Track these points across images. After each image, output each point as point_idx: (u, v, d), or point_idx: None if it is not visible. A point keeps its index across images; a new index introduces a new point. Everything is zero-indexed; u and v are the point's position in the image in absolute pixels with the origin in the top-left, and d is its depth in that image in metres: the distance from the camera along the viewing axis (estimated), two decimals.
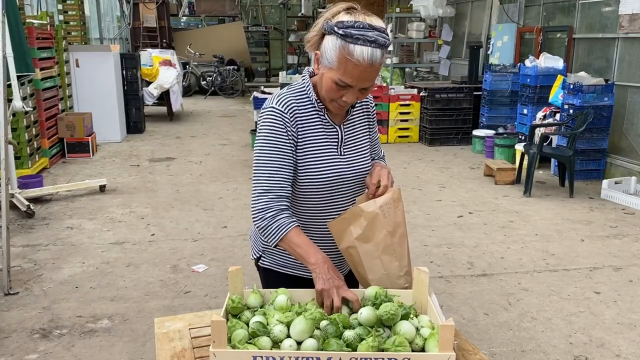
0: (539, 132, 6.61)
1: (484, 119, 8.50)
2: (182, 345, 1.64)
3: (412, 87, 9.22)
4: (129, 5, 14.89)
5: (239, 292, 1.65)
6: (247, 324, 1.53)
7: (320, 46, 1.62)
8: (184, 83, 13.55)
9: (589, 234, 4.93)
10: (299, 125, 1.69)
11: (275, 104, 1.68)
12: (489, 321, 3.43)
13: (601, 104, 6.36)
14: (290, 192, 1.70)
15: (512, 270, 4.16)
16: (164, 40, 15.07)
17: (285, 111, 1.67)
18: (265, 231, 1.65)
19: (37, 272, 4.06)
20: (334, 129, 1.75)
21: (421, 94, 8.79)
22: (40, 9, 9.42)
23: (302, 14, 20.82)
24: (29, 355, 3.02)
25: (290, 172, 1.68)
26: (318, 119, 1.73)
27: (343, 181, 1.76)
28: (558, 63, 7.38)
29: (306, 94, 1.73)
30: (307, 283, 1.77)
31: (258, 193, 1.66)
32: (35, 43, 6.64)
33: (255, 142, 1.72)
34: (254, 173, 1.70)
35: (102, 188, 6.08)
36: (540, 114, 7.16)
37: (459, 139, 8.72)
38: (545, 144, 6.24)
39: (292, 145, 1.68)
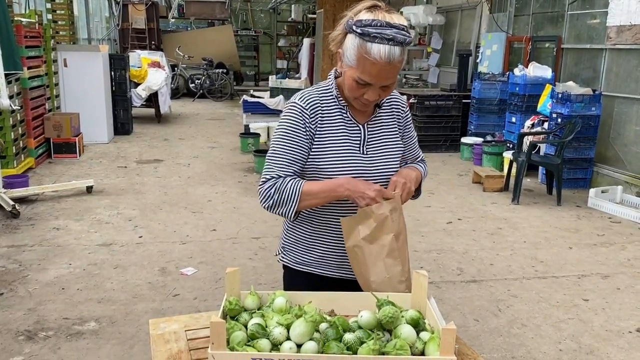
0: (527, 140, 6.66)
1: (472, 127, 8.55)
2: (179, 347, 1.62)
3: (402, 94, 9.16)
4: (118, 6, 14.82)
5: (235, 293, 1.63)
6: (245, 326, 1.51)
7: (343, 44, 1.65)
8: (172, 85, 13.47)
9: (577, 241, 4.97)
10: (319, 120, 1.73)
11: (298, 100, 1.74)
12: (479, 327, 3.43)
13: (589, 113, 6.43)
14: None
15: (502, 277, 4.18)
16: (153, 42, 15.00)
17: (306, 107, 1.72)
18: (278, 204, 1.68)
19: (22, 273, 3.99)
20: (357, 127, 1.76)
21: (410, 100, 8.82)
22: (29, 7, 9.30)
23: (292, 19, 20.85)
24: (13, 358, 2.96)
25: (299, 168, 1.73)
26: (340, 116, 1.75)
27: (366, 180, 1.73)
28: (546, 72, 7.45)
29: (330, 90, 1.77)
30: (324, 281, 1.80)
31: (265, 179, 1.71)
32: (23, 41, 6.55)
33: (274, 132, 1.78)
34: (266, 161, 1.75)
35: (89, 189, 6.00)
36: (528, 123, 7.22)
37: (448, 146, 8.77)
38: (533, 152, 6.29)
39: (307, 142, 1.72)
